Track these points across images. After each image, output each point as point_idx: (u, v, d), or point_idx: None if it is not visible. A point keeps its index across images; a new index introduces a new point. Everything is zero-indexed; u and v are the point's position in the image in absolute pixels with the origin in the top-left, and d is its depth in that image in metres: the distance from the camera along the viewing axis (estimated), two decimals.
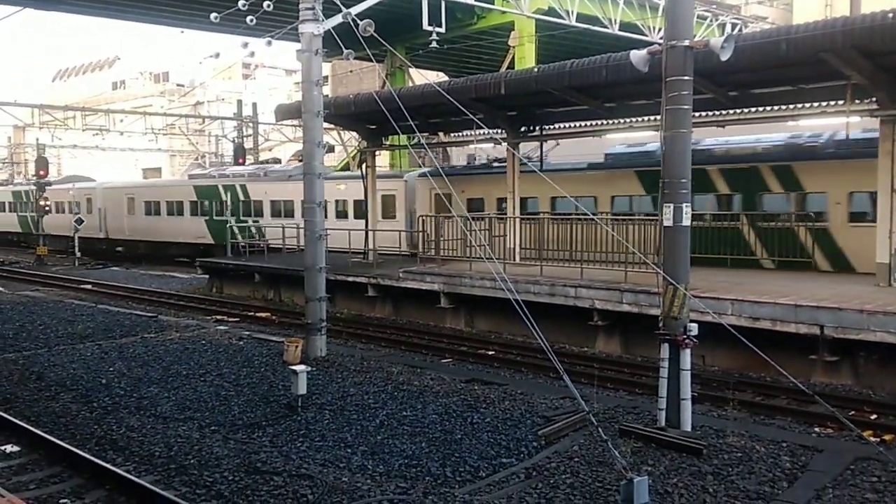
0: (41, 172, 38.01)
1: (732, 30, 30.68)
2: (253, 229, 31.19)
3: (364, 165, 23.70)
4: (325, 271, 14.18)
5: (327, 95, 29.00)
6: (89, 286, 26.88)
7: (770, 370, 11.49)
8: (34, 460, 8.88)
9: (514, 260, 19.05)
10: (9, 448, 9.25)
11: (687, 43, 9.09)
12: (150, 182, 47.11)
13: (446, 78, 35.25)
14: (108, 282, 27.94)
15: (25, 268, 34.39)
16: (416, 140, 21.92)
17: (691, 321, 9.25)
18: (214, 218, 33.74)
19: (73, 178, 48.47)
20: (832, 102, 15.00)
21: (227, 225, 30.33)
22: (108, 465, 8.27)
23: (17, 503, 7.11)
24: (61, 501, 7.70)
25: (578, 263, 16.45)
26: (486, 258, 14.23)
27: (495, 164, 24.20)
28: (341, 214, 28.84)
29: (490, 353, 15.46)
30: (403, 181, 27.13)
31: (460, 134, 22.99)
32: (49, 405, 11.12)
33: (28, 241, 47.23)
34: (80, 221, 36.85)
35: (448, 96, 13.96)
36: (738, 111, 16.36)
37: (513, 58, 29.04)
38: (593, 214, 17.76)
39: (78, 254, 37.03)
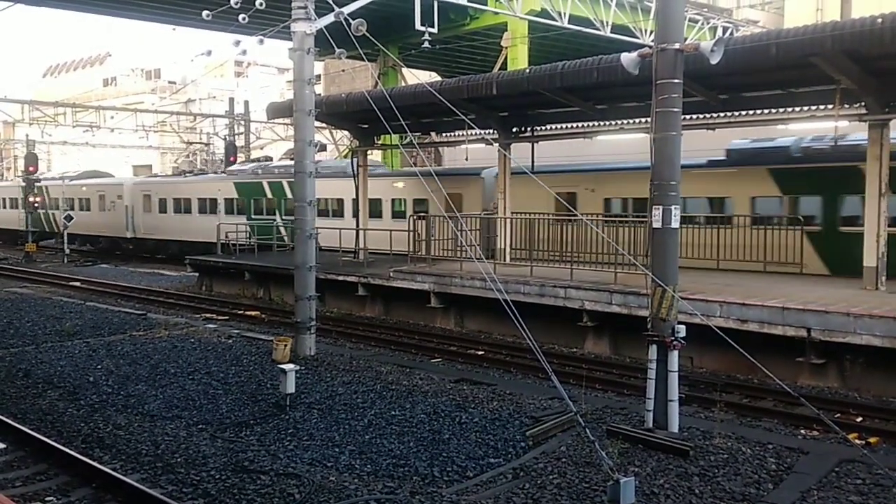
0: (30, 169, 37.83)
1: (723, 33, 30.80)
2: None
3: (356, 164, 23.69)
4: (316, 270, 14.16)
5: (319, 94, 28.94)
6: (78, 283, 26.76)
7: (757, 372, 11.53)
8: (20, 458, 8.84)
9: (505, 260, 19.09)
10: None
11: (677, 46, 9.12)
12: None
13: (439, 78, 35.23)
14: (96, 279, 27.82)
15: (14, 264, 34.18)
16: (407, 140, 21.93)
17: (679, 323, 9.29)
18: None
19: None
20: (821, 106, 15.10)
21: None
22: (94, 463, 8.25)
23: (3, 500, 7.07)
24: (47, 499, 7.67)
25: (568, 264, 16.50)
26: (477, 258, 14.25)
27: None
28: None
29: (479, 353, 15.48)
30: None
31: (452, 134, 23.00)
32: (36, 402, 11.08)
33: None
34: (69, 218, 36.65)
35: (440, 96, 13.97)
36: (728, 114, 16.45)
37: (505, 59, 29.05)
38: (582, 215, 17.83)
39: (67, 250, 36.84)
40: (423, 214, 21.44)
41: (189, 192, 34.74)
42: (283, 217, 29.30)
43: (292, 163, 30.78)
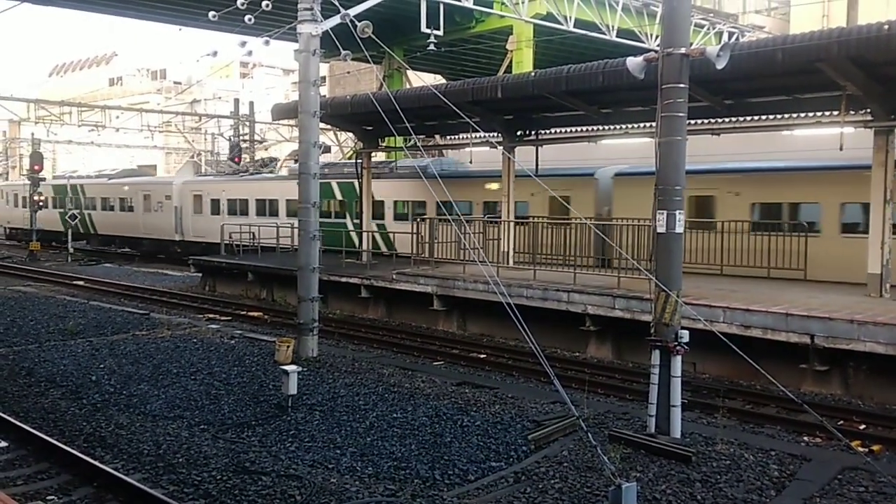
0: (35, 167, 37.90)
1: (729, 38, 30.76)
2: None
3: (360, 166, 23.71)
4: (319, 271, 14.16)
5: (324, 96, 28.95)
6: (82, 282, 26.80)
7: (760, 378, 11.52)
8: (22, 456, 8.84)
9: (508, 264, 19.07)
10: None
11: (683, 51, 9.12)
12: None
13: (443, 81, 35.26)
14: (100, 278, 27.86)
15: (18, 263, 34.26)
16: (412, 142, 21.94)
17: (683, 328, 9.27)
18: None
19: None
20: (827, 113, 15.07)
21: None
22: (96, 463, 8.25)
23: (4, 499, 7.07)
24: (48, 498, 7.67)
25: (572, 268, 16.48)
26: (480, 261, 14.24)
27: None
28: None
29: (482, 356, 15.47)
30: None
31: (456, 137, 23.01)
32: (38, 401, 11.08)
33: None
34: (73, 217, 36.69)
35: (445, 99, 13.96)
36: (734, 119, 16.43)
37: (510, 62, 29.06)
38: (585, 219, 17.80)
39: (71, 250, 36.91)
40: (425, 217, 21.42)
41: (246, 192, 31.77)
42: (355, 221, 26.07)
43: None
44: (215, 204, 33.28)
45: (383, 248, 25.15)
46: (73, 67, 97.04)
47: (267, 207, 30.70)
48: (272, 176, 32.87)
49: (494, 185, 22.10)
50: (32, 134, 44.11)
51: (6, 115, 43.09)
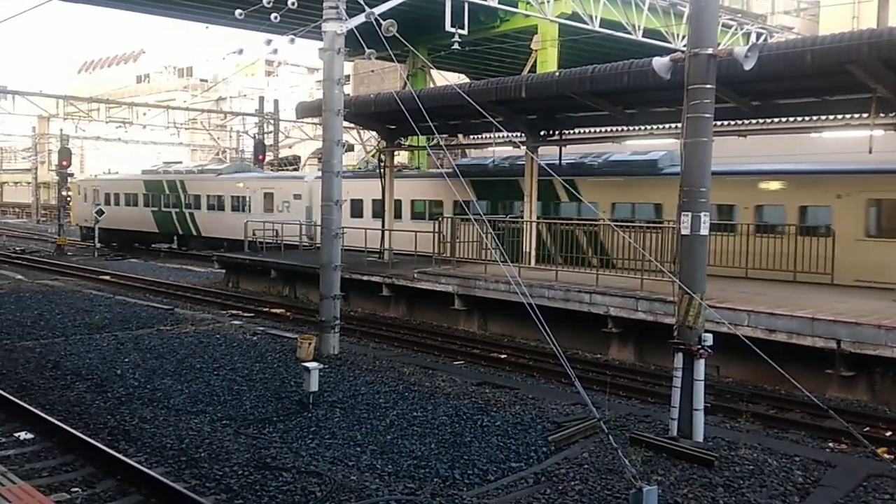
0: (64, 163, 38.43)
1: (757, 39, 30.43)
2: None
3: (382, 165, 23.76)
4: (341, 269, 14.22)
5: (348, 94, 29.02)
6: (108, 277, 27.14)
7: (785, 383, 11.37)
8: (47, 448, 8.96)
9: (530, 264, 19.01)
10: (23, 435, 9.34)
11: (710, 51, 9.04)
12: None
13: (467, 80, 35.25)
14: (126, 273, 28.19)
15: (45, 257, 34.75)
16: (434, 141, 21.93)
17: (706, 331, 9.19)
18: None
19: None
20: (856, 115, 14.86)
21: None
22: (119, 456, 8.34)
23: (29, 490, 7.17)
24: (72, 490, 7.77)
25: (594, 269, 16.41)
26: (501, 262, 14.21)
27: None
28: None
29: (502, 356, 15.43)
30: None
31: (479, 136, 22.97)
32: (64, 394, 11.23)
33: None
34: (100, 213, 37.14)
35: (468, 98, 13.93)
36: (761, 121, 16.25)
37: (535, 61, 28.98)
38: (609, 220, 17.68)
39: (98, 245, 37.36)
40: (448, 217, 21.39)
41: (397, 191, 24.67)
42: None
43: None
44: (356, 205, 27.26)
45: None
46: (102, 64, 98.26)
47: (427, 209, 25.50)
48: (436, 172, 26.22)
49: (774, 185, 18.11)
50: (61, 130, 44.67)
51: (36, 111, 43.70)
